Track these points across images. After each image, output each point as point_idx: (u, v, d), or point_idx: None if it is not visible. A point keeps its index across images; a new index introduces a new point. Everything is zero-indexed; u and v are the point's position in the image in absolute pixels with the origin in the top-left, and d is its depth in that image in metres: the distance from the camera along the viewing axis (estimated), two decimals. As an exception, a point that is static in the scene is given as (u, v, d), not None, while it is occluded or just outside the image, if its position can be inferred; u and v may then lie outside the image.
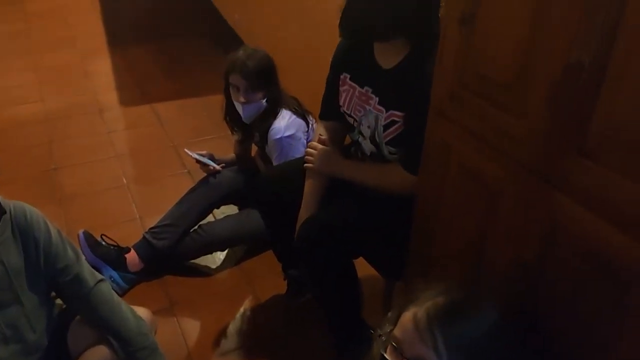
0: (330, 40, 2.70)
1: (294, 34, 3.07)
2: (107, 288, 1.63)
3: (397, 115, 1.47)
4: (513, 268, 1.11)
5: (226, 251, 2.29)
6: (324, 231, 1.50)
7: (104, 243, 2.11)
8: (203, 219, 2.22)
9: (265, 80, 2.07)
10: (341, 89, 1.63)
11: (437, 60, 1.20)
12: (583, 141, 0.91)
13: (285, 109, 2.11)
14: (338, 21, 1.46)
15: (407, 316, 0.96)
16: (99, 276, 1.62)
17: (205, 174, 2.29)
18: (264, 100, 2.09)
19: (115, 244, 2.14)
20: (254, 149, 2.43)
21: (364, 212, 1.54)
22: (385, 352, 0.98)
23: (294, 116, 2.11)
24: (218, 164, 2.28)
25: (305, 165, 1.68)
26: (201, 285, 2.17)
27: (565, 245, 0.98)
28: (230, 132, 2.40)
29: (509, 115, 1.03)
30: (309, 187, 1.65)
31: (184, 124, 3.29)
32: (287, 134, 2.05)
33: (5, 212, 1.46)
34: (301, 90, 2.36)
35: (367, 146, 1.59)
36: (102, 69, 3.97)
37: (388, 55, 1.48)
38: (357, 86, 1.57)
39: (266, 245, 2.22)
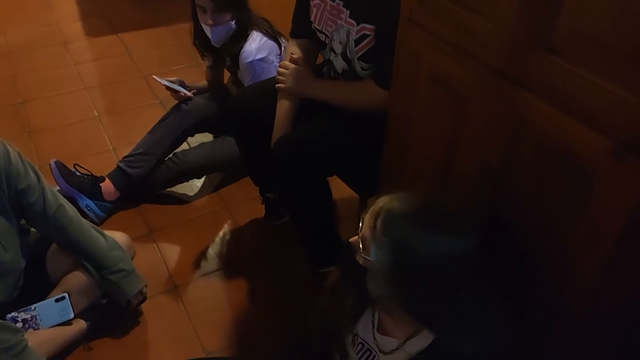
0: None
1: None
2: (71, 209, 1.64)
3: (368, 28, 1.44)
4: (480, 171, 1.13)
5: (203, 179, 2.29)
6: (298, 147, 1.50)
7: (77, 173, 2.09)
8: (177, 146, 2.20)
9: (232, 0, 2.00)
10: (312, 3, 1.58)
11: (406, -36, 1.17)
12: (550, 38, 0.91)
13: (256, 30, 2.06)
14: None
15: (367, 217, 1.02)
16: (62, 199, 1.62)
17: (176, 101, 2.25)
18: (233, 22, 2.04)
19: (89, 173, 2.12)
20: (227, 75, 2.39)
21: (337, 129, 1.54)
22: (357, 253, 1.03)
23: (265, 38, 2.06)
24: (189, 91, 2.24)
25: (277, 85, 1.65)
26: (179, 212, 2.18)
27: (529, 143, 1.00)
28: (200, 59, 2.34)
29: (477, 16, 1.02)
30: (282, 107, 1.64)
31: (153, 53, 3.20)
32: (258, 56, 2.01)
33: None
34: (271, 11, 2.29)
35: (339, 63, 1.57)
36: (63, -1, 3.80)
37: None
38: (328, 0, 1.53)
39: (243, 172, 2.23)
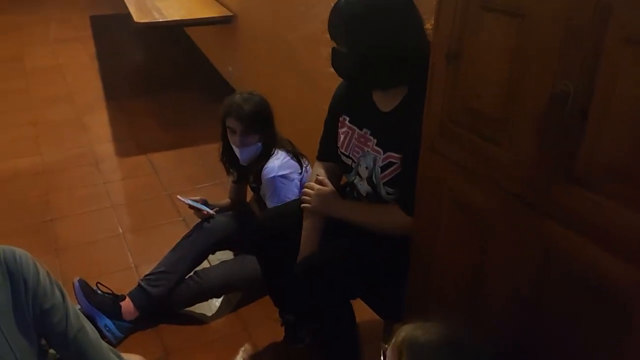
0: (320, 87, 2.80)
1: (285, 82, 3.16)
2: (92, 331, 1.61)
3: (394, 157, 1.50)
4: (510, 302, 1.11)
5: (222, 298, 2.27)
6: (322, 269, 1.50)
7: (99, 292, 2.09)
8: (198, 265, 2.21)
9: (261, 123, 2.11)
10: (340, 130, 1.66)
11: (427, 98, 1.23)
12: (571, 168, 0.93)
13: (280, 149, 2.14)
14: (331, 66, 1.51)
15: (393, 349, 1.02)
16: (85, 320, 1.60)
17: (199, 220, 2.29)
18: (260, 143, 2.13)
19: (110, 291, 2.12)
20: (249, 194, 2.45)
21: (361, 250, 1.54)
22: None
23: (288, 157, 2.14)
24: (212, 209, 2.29)
25: (303, 205, 1.69)
26: (197, 333, 2.13)
27: (560, 273, 0.98)
28: (223, 176, 2.42)
29: (498, 147, 1.06)
30: (307, 226, 1.66)
31: (179, 173, 3.31)
32: (280, 173, 2.08)
33: None
34: (293, 135, 2.39)
35: (364, 187, 1.61)
36: (98, 122, 4.02)
37: (386, 99, 1.52)
38: (356, 128, 1.60)
39: (262, 292, 2.21)
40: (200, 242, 2.18)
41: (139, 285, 2.11)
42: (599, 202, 0.90)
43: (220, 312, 2.22)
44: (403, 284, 1.47)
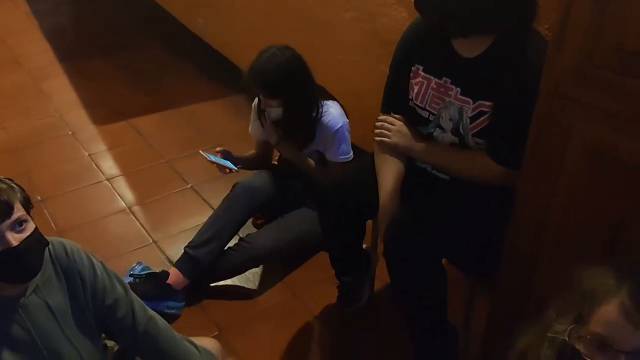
0: (334, 39, 2.64)
1: (285, 36, 2.96)
2: (162, 322, 1.49)
3: (485, 105, 1.41)
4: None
5: (260, 268, 2.16)
6: (417, 235, 1.42)
7: (135, 280, 1.93)
8: (241, 228, 2.09)
9: (289, 86, 1.93)
10: (413, 81, 1.55)
11: (553, 39, 1.15)
12: None
13: (326, 100, 2.02)
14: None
15: (610, 310, 0.91)
16: (151, 311, 1.47)
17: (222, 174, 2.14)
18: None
19: (142, 274, 1.96)
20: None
21: (453, 210, 1.47)
22: (587, 354, 0.93)
23: (336, 102, 2.04)
24: (236, 164, 2.13)
25: (379, 139, 1.59)
26: (245, 306, 2.03)
27: None
28: (228, 137, 2.24)
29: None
30: (386, 168, 1.57)
31: (170, 137, 3.10)
32: (345, 120, 2.00)
33: (48, 244, 1.30)
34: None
35: (447, 138, 1.53)
36: (59, 87, 3.66)
37: (470, 45, 1.41)
38: (433, 77, 1.49)
39: (304, 257, 2.18)
40: (245, 203, 2.05)
41: (186, 253, 1.99)
42: None
43: (262, 282, 2.12)
44: (497, 242, 1.42)
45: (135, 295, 1.46)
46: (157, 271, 1.97)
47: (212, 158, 2.10)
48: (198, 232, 2.02)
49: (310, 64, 2.02)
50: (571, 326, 0.97)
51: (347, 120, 2.02)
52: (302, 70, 1.97)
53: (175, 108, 3.38)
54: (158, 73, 3.84)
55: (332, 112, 1.98)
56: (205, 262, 1.97)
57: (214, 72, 3.70)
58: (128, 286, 1.45)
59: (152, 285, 1.89)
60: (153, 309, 1.76)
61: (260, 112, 2.07)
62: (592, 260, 1.06)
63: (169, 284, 1.91)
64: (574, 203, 1.23)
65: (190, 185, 2.67)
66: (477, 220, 1.46)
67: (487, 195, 1.48)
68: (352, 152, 2.03)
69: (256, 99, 2.11)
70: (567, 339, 0.96)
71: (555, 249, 1.30)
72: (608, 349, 0.90)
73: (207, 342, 1.59)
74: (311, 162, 2.08)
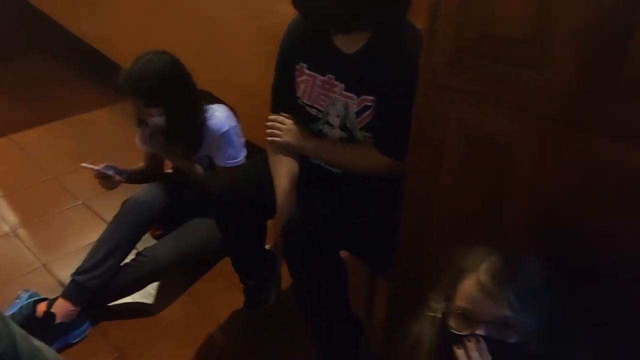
0: (215, 35, 2.57)
1: (166, 34, 2.85)
2: (51, 352, 1.36)
3: (369, 99, 1.42)
4: (538, 218, 1.14)
5: (157, 283, 2.05)
6: (312, 228, 1.40)
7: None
8: (134, 245, 1.97)
9: (169, 93, 1.82)
10: (298, 80, 1.52)
11: (426, 30, 1.16)
12: (616, 81, 0.94)
13: (210, 104, 1.94)
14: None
15: (469, 285, 0.98)
16: (37, 341, 1.35)
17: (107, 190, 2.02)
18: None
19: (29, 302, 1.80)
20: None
21: (346, 201, 1.48)
22: (455, 327, 0.98)
23: (223, 105, 1.96)
24: (121, 175, 2.00)
25: (271, 138, 1.57)
26: (146, 323, 1.93)
27: (604, 187, 1.02)
28: (117, 145, 2.12)
29: (529, 70, 1.03)
30: (280, 167, 1.55)
31: (56, 150, 2.88)
32: (232, 123, 1.92)
33: None
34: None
35: (336, 134, 1.52)
36: None
37: (349, 40, 1.41)
38: (317, 75, 1.48)
39: (206, 265, 2.12)
40: (136, 219, 1.93)
41: (73, 280, 1.84)
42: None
43: (164, 297, 2.02)
44: (392, 227, 1.44)
45: (17, 327, 1.34)
46: (46, 298, 1.83)
47: (97, 167, 1.96)
48: (87, 256, 1.88)
49: (200, 64, 1.95)
50: (444, 304, 1.02)
51: (236, 124, 1.94)
52: (181, 75, 1.87)
53: (61, 119, 3.16)
54: (39, 82, 3.57)
55: (218, 116, 1.90)
56: (96, 286, 1.84)
57: (101, 77, 3.48)
58: (7, 318, 1.32)
59: (42, 332, 1.72)
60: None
61: (141, 122, 1.95)
62: (474, 242, 1.11)
63: (59, 324, 1.77)
64: (458, 186, 1.26)
65: (81, 201, 2.50)
66: (371, 211, 1.48)
67: (379, 186, 1.49)
68: (242, 156, 1.95)
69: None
70: (441, 316, 1.02)
71: (444, 233, 1.33)
72: (471, 321, 0.96)
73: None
74: (198, 169, 2.00)
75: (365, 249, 1.57)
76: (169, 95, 1.81)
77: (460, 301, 0.99)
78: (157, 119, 1.84)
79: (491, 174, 1.19)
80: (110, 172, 1.95)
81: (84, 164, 1.98)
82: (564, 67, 1.00)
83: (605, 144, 0.99)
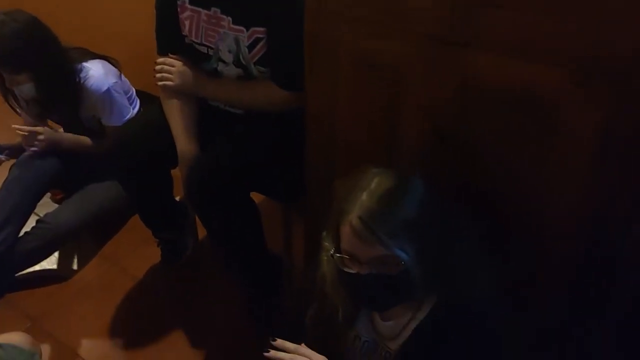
0: None
1: None
2: None
3: (259, 31, 1.38)
4: (429, 137, 1.17)
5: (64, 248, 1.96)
6: (216, 171, 1.38)
7: None
8: (31, 212, 1.86)
9: (34, 55, 1.67)
10: (182, 16, 1.45)
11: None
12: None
13: (85, 62, 1.80)
14: None
15: (346, 228, 0.98)
16: None
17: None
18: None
19: None
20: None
21: (248, 141, 1.46)
22: (344, 267, 1.00)
23: (101, 62, 1.82)
24: (1, 151, 1.89)
25: (162, 83, 1.50)
26: (59, 289, 1.86)
27: (482, 98, 1.05)
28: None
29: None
30: (176, 110, 1.50)
31: None
32: (112, 81, 1.78)
33: None
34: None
35: (232, 71, 1.47)
36: None
37: None
38: (201, 10, 1.42)
39: (118, 223, 2.04)
40: (32, 183, 1.81)
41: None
42: (519, 18, 0.95)
43: (67, 261, 1.93)
44: (299, 161, 1.44)
45: None
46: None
47: None
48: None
49: (78, 14, 1.81)
50: (334, 246, 1.03)
51: (116, 80, 1.81)
52: (43, 34, 1.71)
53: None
54: None
55: (94, 75, 1.77)
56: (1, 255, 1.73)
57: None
58: None
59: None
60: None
61: (7, 92, 1.80)
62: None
63: None
64: (354, 112, 1.27)
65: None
66: (275, 148, 1.47)
67: (282, 120, 1.48)
68: (130, 112, 1.86)
69: None
70: (334, 255, 1.02)
71: (347, 161, 1.34)
72: (355, 261, 0.98)
73: (14, 338, 1.42)
74: (84, 140, 1.88)
75: (275, 188, 1.56)
76: (33, 58, 1.67)
77: (344, 244, 1.00)
78: (27, 87, 1.70)
79: (383, 98, 1.20)
80: None
81: None
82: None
83: (478, 56, 1.02)
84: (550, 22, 0.94)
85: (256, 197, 1.52)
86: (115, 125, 1.82)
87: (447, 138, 1.15)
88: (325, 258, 1.07)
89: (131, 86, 1.94)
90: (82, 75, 1.77)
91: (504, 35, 0.99)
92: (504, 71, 1.02)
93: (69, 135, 1.91)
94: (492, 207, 1.13)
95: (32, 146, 1.84)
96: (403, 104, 1.18)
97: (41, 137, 1.82)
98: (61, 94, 1.77)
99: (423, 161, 1.20)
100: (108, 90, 1.77)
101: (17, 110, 1.90)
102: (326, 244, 1.07)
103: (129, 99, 1.88)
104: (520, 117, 1.04)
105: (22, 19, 1.67)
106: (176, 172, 1.68)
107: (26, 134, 1.83)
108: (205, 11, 1.41)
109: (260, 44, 1.40)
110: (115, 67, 1.86)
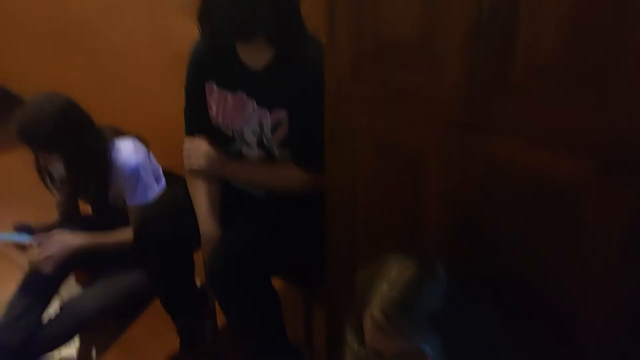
0: (121, 63, 2.46)
1: (70, 64, 2.75)
2: None
3: (281, 114, 1.40)
4: (454, 226, 1.13)
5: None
6: (238, 263, 1.36)
7: None
8: (55, 295, 1.84)
9: (68, 137, 1.69)
10: (209, 99, 1.49)
11: (327, 42, 1.16)
12: (506, 79, 0.95)
13: (117, 139, 1.82)
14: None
15: (367, 322, 0.95)
16: None
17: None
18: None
19: None
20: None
21: (270, 227, 1.45)
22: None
23: (131, 140, 1.83)
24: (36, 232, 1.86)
25: (189, 164, 1.52)
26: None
27: (505, 185, 1.02)
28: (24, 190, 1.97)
29: (423, 75, 1.04)
30: (201, 194, 1.50)
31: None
32: (140, 159, 1.79)
33: None
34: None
35: (255, 153, 1.49)
36: None
37: (255, 57, 1.40)
38: (228, 92, 1.45)
39: (137, 311, 1.94)
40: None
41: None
42: (539, 105, 0.93)
43: (87, 349, 1.89)
44: (320, 247, 1.40)
45: None
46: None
47: (4, 237, 1.84)
48: (5, 310, 1.74)
49: (111, 95, 1.86)
50: (357, 340, 1.01)
51: (144, 157, 1.82)
52: (78, 116, 1.75)
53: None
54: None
55: (124, 153, 1.78)
56: (16, 344, 1.69)
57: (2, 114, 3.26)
58: None
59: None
60: None
61: (42, 170, 1.83)
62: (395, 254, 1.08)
63: None
64: (375, 195, 1.25)
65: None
66: (297, 232, 1.45)
67: (303, 204, 1.46)
68: (153, 193, 1.82)
69: None
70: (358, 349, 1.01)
71: (368, 246, 1.30)
72: (379, 356, 0.96)
73: None
74: (122, 235, 1.81)
75: (297, 272, 1.53)
76: (67, 140, 1.70)
77: (367, 338, 0.98)
78: (58, 166, 1.74)
79: (405, 183, 1.18)
80: (25, 241, 1.82)
81: None
82: (455, 69, 1.00)
83: (499, 141, 1.00)
84: (567, 109, 0.92)
85: (276, 284, 1.47)
86: (138, 205, 1.82)
87: (468, 226, 1.10)
88: (349, 353, 1.04)
89: (158, 165, 1.96)
90: (112, 153, 1.81)
91: (520, 121, 0.97)
92: (524, 158, 0.99)
93: (83, 241, 1.85)
94: (517, 296, 1.07)
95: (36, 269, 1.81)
96: (424, 191, 1.15)
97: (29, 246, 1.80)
98: (92, 174, 1.80)
99: (445, 248, 1.15)
100: (136, 167, 1.77)
101: (51, 189, 1.93)
102: (349, 337, 1.04)
103: (155, 178, 1.89)
104: (542, 206, 1.00)
105: (60, 101, 1.72)
106: (197, 256, 1.66)
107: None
108: (232, 94, 1.45)
109: (282, 126, 1.42)
110: (144, 145, 1.90)
